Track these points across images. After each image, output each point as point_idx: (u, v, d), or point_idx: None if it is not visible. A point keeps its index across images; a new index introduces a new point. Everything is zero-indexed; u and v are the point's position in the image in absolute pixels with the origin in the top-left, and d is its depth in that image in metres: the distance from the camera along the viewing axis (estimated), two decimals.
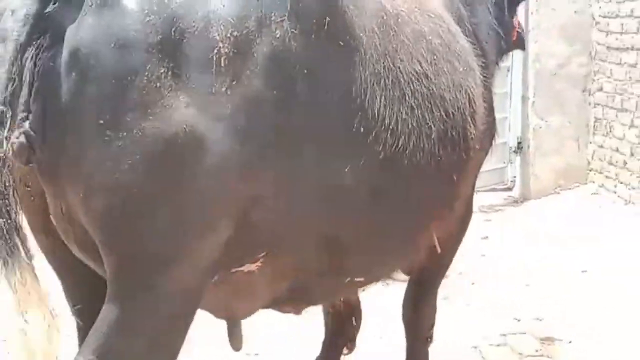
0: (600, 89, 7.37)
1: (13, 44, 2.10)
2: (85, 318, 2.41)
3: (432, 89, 2.68)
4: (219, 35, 2.18)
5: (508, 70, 7.74)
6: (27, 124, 2.09)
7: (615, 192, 7.14)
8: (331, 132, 2.41)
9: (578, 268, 5.63)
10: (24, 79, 2.09)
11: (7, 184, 2.08)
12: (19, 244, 2.10)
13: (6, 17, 2.15)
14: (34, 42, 2.11)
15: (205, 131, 2.15)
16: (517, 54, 7.59)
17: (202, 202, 2.18)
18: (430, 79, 2.67)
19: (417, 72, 2.63)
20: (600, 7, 7.35)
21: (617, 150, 7.09)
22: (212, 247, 2.25)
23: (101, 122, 2.08)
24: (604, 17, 7.30)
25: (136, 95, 2.09)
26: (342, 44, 2.42)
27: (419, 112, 2.62)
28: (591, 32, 7.47)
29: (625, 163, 6.96)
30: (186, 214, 2.17)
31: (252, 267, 2.41)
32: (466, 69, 2.92)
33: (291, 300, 2.78)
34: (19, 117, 2.08)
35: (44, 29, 2.12)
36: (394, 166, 2.54)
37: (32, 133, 2.09)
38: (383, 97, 2.50)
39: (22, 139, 2.07)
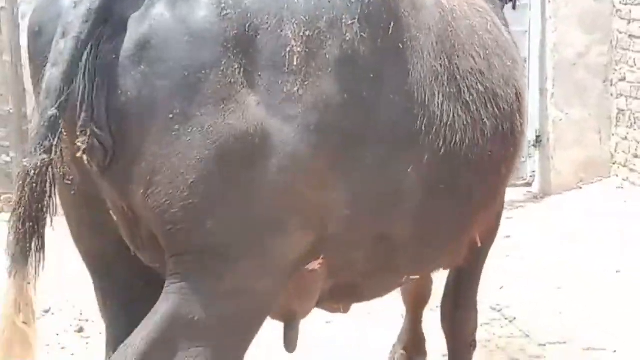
0: (623, 79, 7.06)
1: (73, 42, 1.99)
2: (119, 322, 2.37)
3: (486, 85, 2.67)
4: (291, 33, 2.11)
5: (525, 61, 7.42)
6: (93, 125, 2.00)
7: None
8: (395, 134, 2.37)
9: (611, 268, 5.33)
10: (84, 77, 1.99)
11: (44, 191, 1.99)
12: (33, 251, 2.02)
13: (68, 9, 2.04)
14: (95, 36, 2.01)
15: (275, 131, 2.10)
16: (534, 44, 7.34)
17: (269, 201, 2.13)
18: (484, 74, 2.67)
19: (472, 69, 2.62)
20: None
21: None
22: (284, 247, 2.21)
23: (170, 116, 2.01)
24: (625, 4, 6.98)
25: (209, 91, 2.02)
26: (403, 46, 2.40)
27: (474, 107, 2.59)
28: (612, 20, 7.16)
29: None
30: (252, 212, 2.12)
31: (315, 265, 2.38)
32: (512, 62, 2.92)
33: (343, 297, 2.75)
34: (81, 119, 1.99)
35: (105, 18, 2.02)
36: (450, 162, 2.52)
37: (101, 133, 2.00)
38: (441, 95, 2.47)
39: (94, 141, 1.99)
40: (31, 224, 2.00)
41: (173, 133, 2.01)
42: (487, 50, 2.74)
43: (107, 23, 2.02)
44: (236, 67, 2.04)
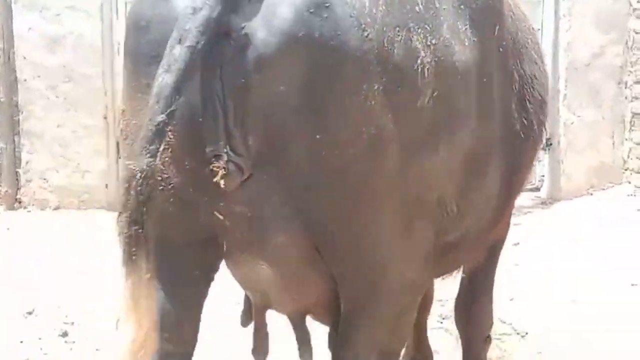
0: (639, 82, 6.79)
1: (188, 51, 1.92)
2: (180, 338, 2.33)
3: (539, 91, 2.79)
4: (420, 43, 2.09)
5: None
6: (229, 150, 1.97)
7: None
8: (498, 136, 2.50)
9: (626, 281, 5.05)
10: (214, 102, 1.95)
11: (150, 193, 1.96)
12: (144, 254, 2.00)
13: (186, 14, 1.96)
14: (214, 50, 1.94)
15: (410, 142, 2.13)
16: (546, 42, 7.06)
17: (413, 201, 2.22)
18: (538, 79, 2.77)
19: (531, 73, 2.72)
20: None
21: None
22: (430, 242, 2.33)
23: (318, 137, 2.00)
24: None
25: (354, 110, 2.01)
26: (502, 49, 2.48)
27: (532, 111, 2.70)
28: (628, 20, 6.89)
29: None
30: (394, 218, 2.20)
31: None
32: (543, 62, 2.98)
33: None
34: (215, 144, 1.96)
35: (225, 32, 1.95)
36: (519, 155, 2.68)
37: (238, 158, 1.98)
38: (516, 98, 2.60)
39: (230, 165, 1.97)
40: (137, 227, 1.97)
41: (318, 152, 2.01)
42: (537, 55, 2.83)
43: (229, 37, 1.95)
44: (376, 87, 2.01)
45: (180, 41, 1.93)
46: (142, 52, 2.09)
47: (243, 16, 1.94)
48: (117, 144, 6.77)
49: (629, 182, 6.96)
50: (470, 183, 2.40)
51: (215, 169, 1.96)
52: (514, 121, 2.57)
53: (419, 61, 2.05)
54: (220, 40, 1.94)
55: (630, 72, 6.90)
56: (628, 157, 6.98)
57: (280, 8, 1.94)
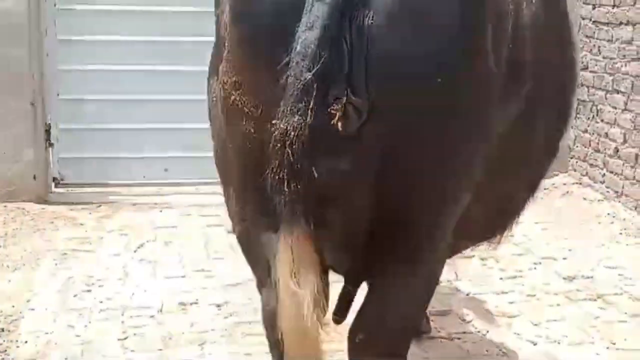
0: (586, 68, 6.70)
1: (329, 7, 2.00)
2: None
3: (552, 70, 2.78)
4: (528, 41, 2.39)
5: None
6: (350, 93, 2.03)
7: (603, 183, 6.49)
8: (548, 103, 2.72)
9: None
10: (339, 44, 2.01)
11: (301, 151, 2.03)
12: (305, 209, 2.06)
13: None
14: (347, 5, 2.02)
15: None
16: None
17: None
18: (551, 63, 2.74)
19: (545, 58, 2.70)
20: None
21: (607, 136, 6.43)
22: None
23: (439, 80, 2.10)
24: None
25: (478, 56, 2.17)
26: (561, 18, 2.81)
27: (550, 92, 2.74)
28: (575, 5, 6.78)
29: (617, 150, 6.29)
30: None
31: None
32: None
33: None
34: (337, 87, 2.02)
35: None
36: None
37: (358, 100, 2.04)
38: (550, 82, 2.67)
39: (349, 108, 2.03)
40: (295, 183, 2.03)
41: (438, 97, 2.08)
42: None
43: None
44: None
45: None
46: (263, 20, 2.12)
47: None
48: (46, 131, 6.39)
49: (575, 170, 6.87)
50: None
51: (333, 111, 2.02)
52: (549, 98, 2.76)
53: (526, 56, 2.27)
54: None
55: None
56: (574, 145, 6.89)
57: None
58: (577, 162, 6.86)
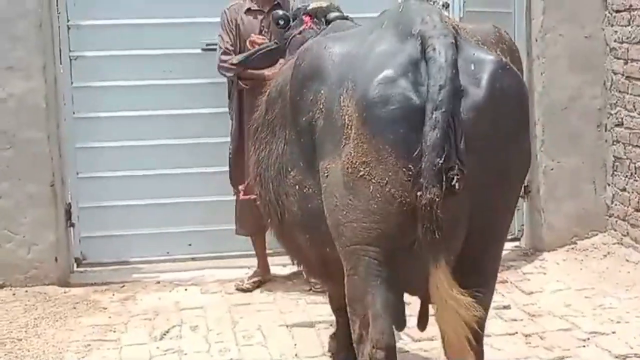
0: (620, 124, 6.46)
1: (445, 115, 2.82)
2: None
3: None
4: None
5: None
6: (459, 161, 2.82)
7: None
8: None
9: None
10: (451, 136, 2.82)
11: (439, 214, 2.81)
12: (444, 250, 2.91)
13: (437, 91, 2.84)
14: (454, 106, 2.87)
15: None
16: None
17: None
18: None
19: None
20: (615, 32, 6.45)
21: None
22: None
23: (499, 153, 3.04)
24: (621, 42, 6.39)
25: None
26: None
27: None
28: (605, 60, 6.57)
29: None
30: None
31: None
32: None
33: None
34: (451, 159, 2.80)
35: (456, 92, 2.92)
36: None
37: (462, 165, 2.82)
38: None
39: (460, 171, 2.82)
40: (439, 232, 2.80)
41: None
42: None
43: (458, 94, 2.87)
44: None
45: (436, 108, 2.78)
46: (390, 121, 2.89)
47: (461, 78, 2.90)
48: (66, 211, 6.23)
49: (614, 230, 6.59)
50: None
51: (451, 176, 2.78)
52: None
53: None
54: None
55: (610, 114, 6.57)
56: (612, 203, 6.62)
57: (479, 70, 2.95)
58: (616, 221, 6.58)
